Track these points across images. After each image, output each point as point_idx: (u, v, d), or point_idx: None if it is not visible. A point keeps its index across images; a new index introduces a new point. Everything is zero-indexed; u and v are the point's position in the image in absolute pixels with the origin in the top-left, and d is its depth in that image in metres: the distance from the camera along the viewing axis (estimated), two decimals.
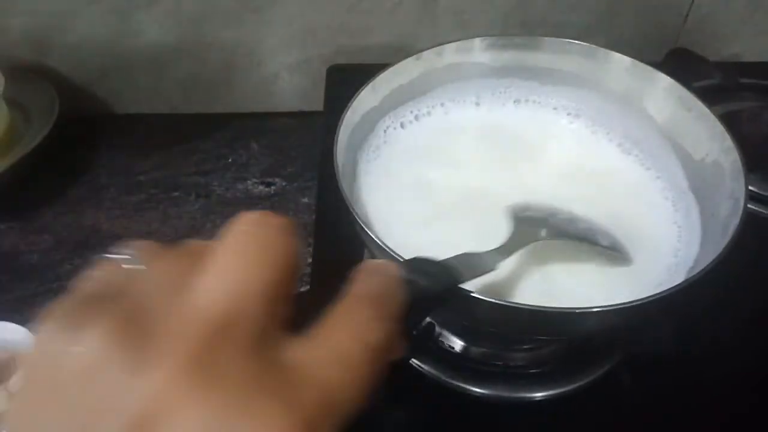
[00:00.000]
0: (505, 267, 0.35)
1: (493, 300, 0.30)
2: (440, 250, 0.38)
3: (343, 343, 0.17)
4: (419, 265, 0.24)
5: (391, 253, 0.32)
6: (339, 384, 0.16)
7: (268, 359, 0.15)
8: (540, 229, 0.36)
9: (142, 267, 0.17)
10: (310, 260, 0.51)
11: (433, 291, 0.23)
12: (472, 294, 0.30)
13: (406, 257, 0.30)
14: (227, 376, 0.14)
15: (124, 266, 0.17)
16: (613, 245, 0.38)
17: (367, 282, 0.19)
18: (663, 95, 0.44)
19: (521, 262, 0.37)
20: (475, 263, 0.30)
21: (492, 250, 0.33)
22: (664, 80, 0.44)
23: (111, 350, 0.14)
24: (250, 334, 0.15)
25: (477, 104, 0.49)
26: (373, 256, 0.37)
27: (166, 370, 0.14)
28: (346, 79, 0.61)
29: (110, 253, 0.18)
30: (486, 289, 0.33)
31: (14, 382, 0.43)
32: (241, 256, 0.16)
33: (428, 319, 0.41)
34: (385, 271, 0.20)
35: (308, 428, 0.14)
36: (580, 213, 0.39)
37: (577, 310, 0.30)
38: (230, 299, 0.15)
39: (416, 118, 0.48)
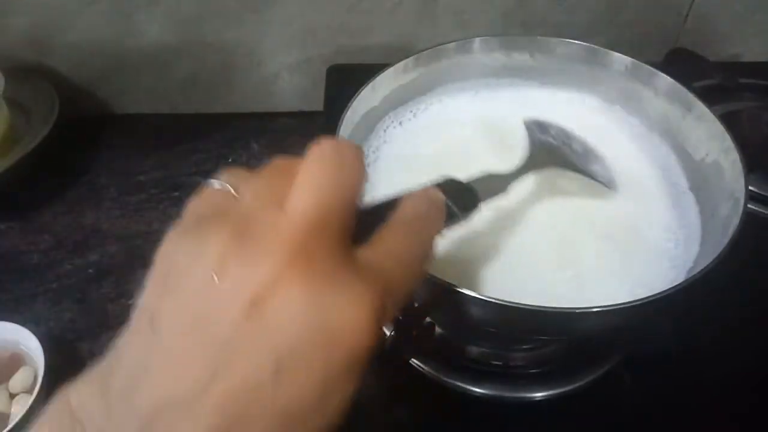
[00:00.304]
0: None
1: (493, 300, 0.30)
2: (440, 245, 0.38)
3: (399, 248, 0.21)
4: (449, 186, 0.27)
5: None
6: (398, 276, 0.20)
7: (349, 256, 0.19)
8: (550, 157, 0.39)
9: (231, 189, 0.21)
10: None
11: (460, 213, 0.27)
12: (472, 294, 0.30)
13: None
14: (321, 264, 0.18)
15: (221, 190, 0.21)
16: (610, 183, 0.41)
17: (414, 204, 0.23)
18: (663, 96, 0.44)
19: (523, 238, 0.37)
20: (491, 184, 0.32)
21: (507, 172, 0.35)
22: (664, 80, 0.44)
23: (227, 253, 0.18)
24: (335, 236, 0.19)
25: (477, 104, 0.49)
26: None
27: (273, 262, 0.18)
28: (346, 79, 0.61)
29: (208, 182, 0.22)
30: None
31: (14, 381, 0.43)
32: (327, 174, 0.20)
33: (428, 319, 0.41)
34: (430, 196, 0.24)
35: (382, 300, 0.19)
36: (591, 144, 0.41)
37: (577, 310, 0.30)
38: (319, 209, 0.19)
39: (416, 117, 0.48)
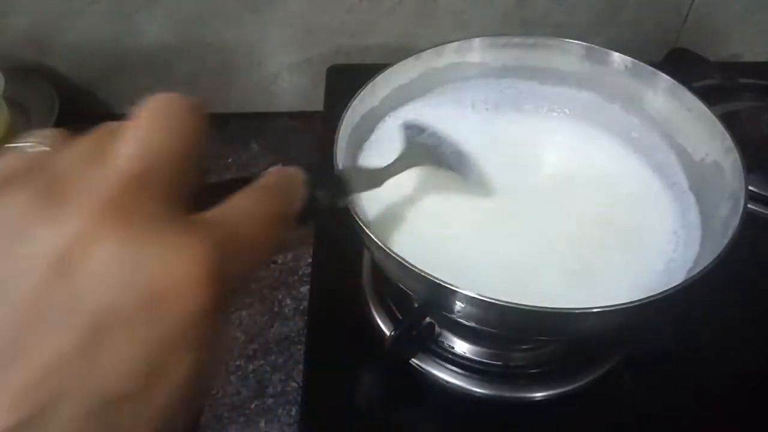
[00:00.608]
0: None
1: (492, 300, 0.30)
2: (439, 245, 0.38)
3: (246, 207, 0.19)
4: (320, 174, 0.27)
5: (390, 253, 0.32)
6: (243, 231, 0.18)
7: (178, 210, 0.17)
8: (424, 156, 0.40)
9: (47, 149, 0.18)
10: (310, 260, 0.51)
11: (325, 198, 0.27)
12: (473, 294, 0.30)
13: (405, 256, 0.31)
14: (141, 215, 0.16)
15: (32, 151, 0.18)
16: (479, 179, 0.42)
17: (271, 176, 0.22)
18: (663, 95, 0.44)
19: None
20: (366, 177, 0.34)
21: (382, 167, 0.36)
22: (664, 80, 0.44)
23: (29, 209, 0.16)
24: (161, 189, 0.17)
25: (476, 104, 0.49)
26: (372, 255, 0.37)
27: (83, 215, 0.15)
28: (346, 79, 0.61)
29: (17, 143, 0.19)
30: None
31: None
32: (155, 127, 0.18)
33: (428, 319, 0.41)
34: (290, 173, 0.23)
35: (216, 252, 0.16)
36: (462, 147, 0.43)
37: (576, 311, 0.30)
38: (145, 158, 0.17)
39: (416, 117, 0.48)
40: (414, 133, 0.41)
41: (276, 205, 0.21)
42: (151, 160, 0.17)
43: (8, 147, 0.18)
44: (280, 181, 0.22)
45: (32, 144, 0.19)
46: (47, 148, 0.18)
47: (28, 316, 0.15)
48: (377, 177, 0.35)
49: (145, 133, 0.18)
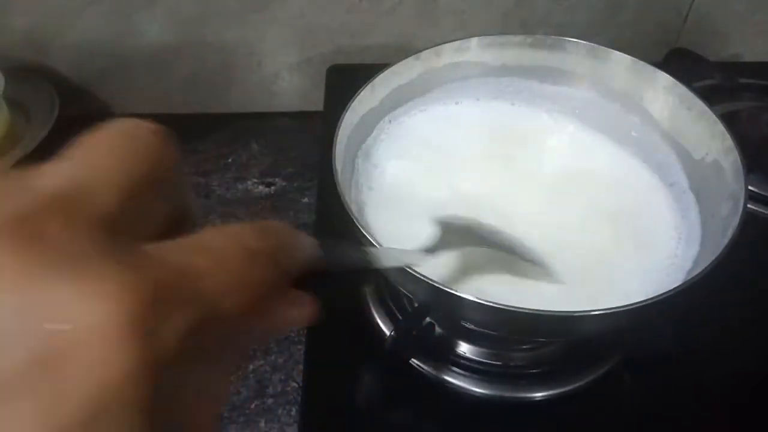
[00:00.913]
0: None
1: (491, 303, 0.30)
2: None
3: (216, 239, 0.15)
4: (338, 243, 0.24)
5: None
6: (209, 269, 0.14)
7: (111, 243, 0.13)
8: (464, 237, 0.37)
9: None
10: None
11: (326, 262, 0.22)
12: (471, 298, 0.30)
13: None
14: (53, 243, 0.12)
15: None
16: (534, 260, 0.38)
17: (272, 223, 0.17)
18: (663, 94, 0.44)
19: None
20: (395, 255, 0.31)
21: (415, 250, 0.33)
22: (664, 79, 0.44)
23: None
24: (96, 215, 0.13)
25: (476, 104, 0.49)
26: None
27: None
28: (346, 79, 0.61)
29: None
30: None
31: None
32: (101, 147, 0.15)
33: (428, 319, 0.41)
34: (297, 233, 0.18)
35: (152, 305, 0.12)
36: (501, 227, 0.39)
37: (576, 314, 0.30)
38: (76, 179, 0.13)
39: (415, 117, 0.48)
40: (444, 219, 0.38)
41: (260, 244, 0.16)
42: (80, 183, 0.13)
43: None
44: (277, 226, 0.17)
45: None
46: None
47: None
48: (412, 258, 0.32)
49: (80, 155, 0.14)
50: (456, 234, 0.36)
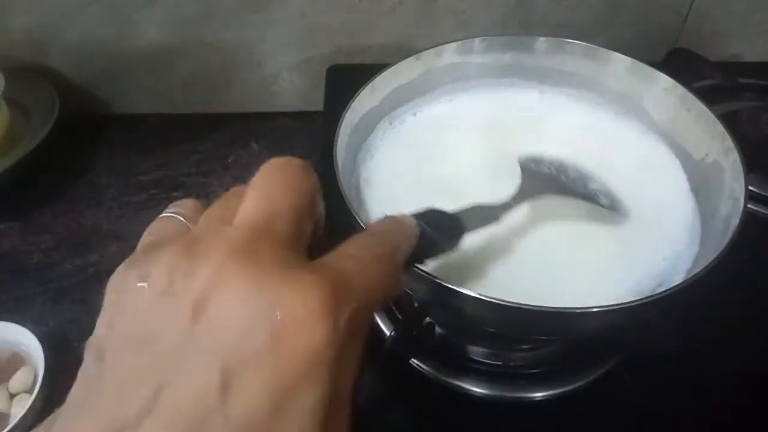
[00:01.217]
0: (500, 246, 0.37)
1: (492, 300, 0.30)
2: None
3: (354, 251, 0.20)
4: (432, 216, 0.27)
5: None
6: (357, 274, 0.19)
7: (297, 257, 0.19)
8: (546, 184, 0.39)
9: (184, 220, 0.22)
10: None
11: (443, 241, 0.27)
12: (472, 294, 0.30)
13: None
14: (263, 261, 0.17)
15: (172, 219, 0.22)
16: (613, 205, 0.40)
17: (381, 224, 0.24)
18: (663, 95, 0.44)
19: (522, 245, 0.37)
20: (482, 214, 0.33)
21: (500, 203, 0.35)
22: (664, 80, 0.44)
23: (171, 267, 0.18)
24: (281, 240, 0.19)
25: (476, 104, 0.49)
26: None
27: (212, 264, 0.17)
28: (346, 79, 0.61)
29: (162, 213, 0.22)
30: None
31: (14, 381, 0.43)
32: (270, 186, 0.20)
33: (428, 319, 0.41)
34: (401, 220, 0.24)
35: (335, 292, 0.17)
36: (587, 169, 0.41)
37: (576, 311, 0.30)
38: (264, 213, 0.19)
39: (415, 117, 0.48)
40: (533, 165, 0.40)
41: (383, 249, 0.22)
42: (271, 215, 0.19)
43: (159, 216, 0.22)
44: (388, 227, 0.23)
45: (175, 212, 0.22)
46: (183, 218, 0.22)
47: (172, 358, 0.16)
48: (493, 213, 0.34)
49: (264, 191, 0.20)
50: (538, 181, 0.39)
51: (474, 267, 0.37)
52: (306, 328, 0.16)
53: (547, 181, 0.39)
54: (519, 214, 0.37)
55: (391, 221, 0.24)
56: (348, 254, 0.20)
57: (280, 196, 0.20)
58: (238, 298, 0.16)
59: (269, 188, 0.20)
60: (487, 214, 0.33)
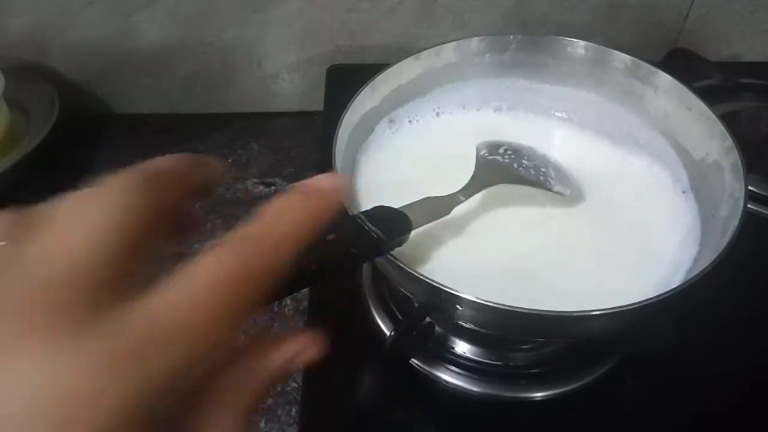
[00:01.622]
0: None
1: (491, 303, 0.30)
2: (437, 248, 0.38)
3: (184, 283, 0.15)
4: (377, 214, 0.26)
5: (390, 257, 0.32)
6: (182, 314, 0.15)
7: (100, 309, 0.14)
8: (499, 174, 0.39)
9: None
10: None
11: (387, 240, 0.26)
12: (471, 298, 0.30)
13: (405, 260, 0.30)
14: (52, 323, 0.14)
15: None
16: (565, 190, 0.41)
17: (265, 213, 0.17)
18: (663, 94, 0.44)
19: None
20: (432, 208, 0.32)
21: (451, 194, 0.35)
22: (664, 79, 0.44)
23: None
24: (85, 280, 0.15)
25: (476, 104, 0.49)
26: None
27: None
28: (346, 79, 0.61)
29: None
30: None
31: None
32: (69, 219, 0.16)
33: (428, 319, 0.41)
34: (286, 199, 0.18)
35: (107, 368, 0.13)
36: (539, 155, 0.42)
37: (575, 314, 0.30)
38: (57, 263, 0.15)
39: (415, 117, 0.48)
40: (487, 152, 0.40)
41: (237, 260, 0.16)
42: (75, 253, 0.15)
43: None
44: (268, 217, 0.17)
45: None
46: None
47: None
48: (445, 205, 0.34)
49: (69, 221, 0.16)
50: (492, 170, 0.38)
51: (472, 271, 0.37)
52: (69, 407, 0.13)
53: (498, 171, 0.39)
54: (472, 205, 0.37)
55: (279, 202, 0.18)
56: (171, 294, 0.15)
57: (88, 228, 0.16)
58: (13, 381, 0.13)
59: (72, 220, 0.16)
60: (437, 207, 0.33)
